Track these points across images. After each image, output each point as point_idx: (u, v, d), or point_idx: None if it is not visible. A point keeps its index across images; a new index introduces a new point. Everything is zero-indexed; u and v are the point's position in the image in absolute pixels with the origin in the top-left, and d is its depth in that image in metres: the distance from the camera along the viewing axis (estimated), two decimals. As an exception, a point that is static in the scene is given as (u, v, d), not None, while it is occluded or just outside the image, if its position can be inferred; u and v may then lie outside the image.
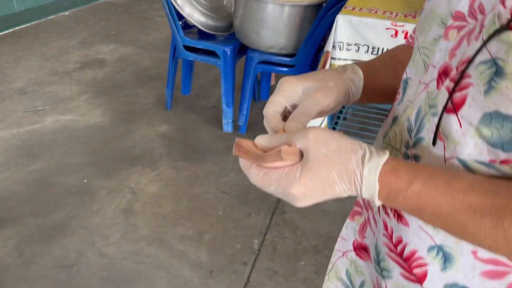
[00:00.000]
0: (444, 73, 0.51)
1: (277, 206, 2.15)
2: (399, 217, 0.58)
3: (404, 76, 0.61)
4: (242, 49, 2.58)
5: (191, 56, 2.58)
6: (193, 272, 1.79)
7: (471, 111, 0.46)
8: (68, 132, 2.60)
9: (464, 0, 0.50)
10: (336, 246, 0.76)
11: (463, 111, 0.46)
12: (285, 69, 2.44)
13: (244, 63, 2.59)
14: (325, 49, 1.99)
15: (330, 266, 0.78)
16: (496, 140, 0.45)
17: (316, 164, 0.48)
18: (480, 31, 0.46)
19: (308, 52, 2.36)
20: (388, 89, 0.69)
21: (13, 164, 2.32)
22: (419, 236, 0.55)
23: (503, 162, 0.45)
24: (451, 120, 0.47)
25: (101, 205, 2.10)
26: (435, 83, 0.52)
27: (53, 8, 4.38)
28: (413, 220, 0.56)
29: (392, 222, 0.59)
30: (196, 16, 2.55)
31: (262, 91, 3.02)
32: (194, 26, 2.66)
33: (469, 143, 0.47)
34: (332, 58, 1.97)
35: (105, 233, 1.95)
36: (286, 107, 0.61)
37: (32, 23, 4.11)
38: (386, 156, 0.49)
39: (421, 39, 0.58)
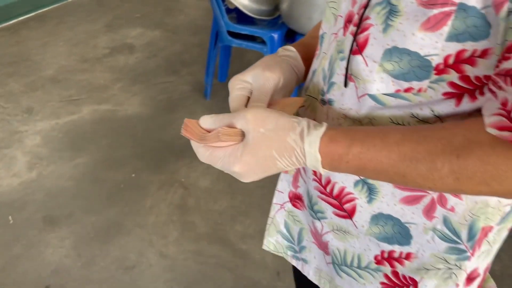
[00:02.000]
0: (348, 20, 0.56)
1: (335, 201, 2.07)
2: None
3: (321, 32, 0.66)
4: (288, 35, 2.46)
5: (235, 42, 2.46)
6: (260, 274, 1.72)
7: (374, 49, 0.51)
8: (109, 123, 2.51)
9: None
10: (274, 200, 0.81)
11: (367, 51, 0.52)
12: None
13: (291, 49, 2.48)
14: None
15: (269, 221, 0.83)
16: (398, 72, 0.50)
17: (255, 144, 0.51)
18: None
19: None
20: None
21: (57, 158, 2.24)
22: (345, 173, 0.60)
23: (406, 90, 0.51)
24: (358, 60, 0.53)
25: (154, 201, 2.02)
26: (342, 31, 0.57)
27: (73, -10, 4.23)
28: None
29: None
30: (239, -1, 2.42)
31: (303, 77, 2.91)
32: (233, 10, 2.54)
33: (376, 78, 0.52)
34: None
35: (162, 232, 1.88)
36: (247, 97, 0.63)
37: (54, 5, 3.97)
38: (323, 128, 0.51)
39: None
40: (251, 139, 0.51)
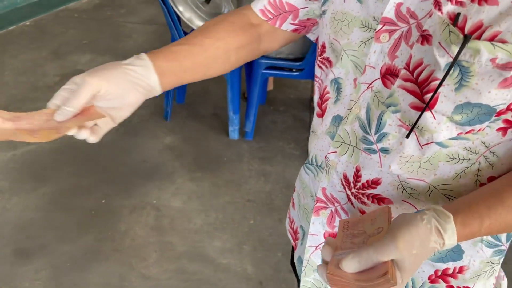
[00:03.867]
0: (389, 73, 0.59)
1: (305, 210, 2.18)
2: (379, 201, 0.66)
3: (331, 76, 0.69)
4: (245, 55, 2.57)
5: (195, 64, 2.53)
6: (243, 285, 1.78)
7: (444, 106, 0.54)
8: (69, 151, 2.47)
9: (388, 7, 0.57)
10: (307, 244, 0.80)
11: (437, 107, 0.55)
12: (295, 73, 2.47)
13: (248, 69, 2.59)
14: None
15: (304, 263, 0.83)
16: (465, 120, 0.55)
17: (412, 266, 0.53)
18: (422, 35, 0.54)
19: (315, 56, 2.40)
20: (196, 66, 0.71)
21: (20, 190, 2.17)
22: (402, 208, 0.65)
23: (468, 132, 0.56)
24: (426, 115, 0.56)
25: (128, 225, 2.02)
26: (380, 82, 0.61)
27: (12, 18, 4.10)
28: (395, 197, 0.64)
29: (371, 208, 0.67)
30: (196, 21, 2.51)
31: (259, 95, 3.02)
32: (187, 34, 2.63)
33: (443, 128, 0.56)
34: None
35: (141, 254, 1.88)
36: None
37: (-7, 34, 3.83)
38: (451, 217, 0.53)
39: (344, 41, 0.65)
40: (408, 264, 0.52)
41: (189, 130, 2.73)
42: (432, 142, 0.58)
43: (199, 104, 3.03)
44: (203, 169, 2.40)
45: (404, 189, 0.64)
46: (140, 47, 3.80)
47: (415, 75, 0.56)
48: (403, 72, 0.57)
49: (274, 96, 3.19)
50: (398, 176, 0.63)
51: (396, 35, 0.58)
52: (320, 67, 0.74)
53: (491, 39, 0.50)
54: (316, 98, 0.76)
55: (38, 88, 3.06)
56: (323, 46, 0.71)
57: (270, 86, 3.24)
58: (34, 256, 1.84)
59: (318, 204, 0.75)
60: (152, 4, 4.96)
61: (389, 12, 0.58)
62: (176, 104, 2.96)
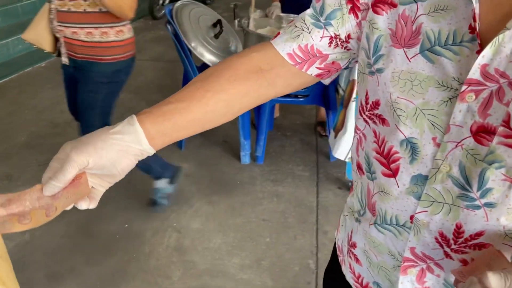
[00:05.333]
0: (482, 131, 0.58)
1: (317, 227, 2.29)
2: (480, 247, 0.65)
3: (401, 136, 0.66)
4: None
5: (207, 95, 2.70)
6: (264, 297, 1.88)
7: None
8: (92, 180, 2.61)
9: (473, 69, 0.57)
10: None
11: None
12: (301, 99, 2.63)
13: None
14: (350, 77, 2.21)
15: None
16: None
17: None
18: None
19: (320, 82, 2.57)
20: (193, 122, 0.69)
21: (47, 218, 2.29)
22: (502, 249, 0.63)
23: None
24: None
25: (151, 247, 2.14)
26: (472, 140, 0.59)
27: (28, 61, 4.34)
28: (496, 242, 0.64)
29: (471, 255, 0.67)
30: (207, 55, 2.70)
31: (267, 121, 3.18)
32: (197, 68, 2.81)
33: None
34: (357, 86, 2.18)
35: (165, 273, 1.99)
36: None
37: (12, 76, 4.05)
38: None
39: (418, 101, 0.62)
40: None
41: (202, 157, 2.88)
42: None
43: (210, 132, 3.19)
44: (218, 193, 2.53)
45: (506, 235, 0.64)
46: (151, 83, 4.00)
47: None
48: (501, 129, 0.56)
49: (281, 123, 3.35)
50: (503, 226, 0.62)
51: (484, 94, 0.57)
52: (366, 121, 0.72)
53: None
54: (372, 154, 0.72)
55: (57, 124, 3.23)
56: (376, 103, 0.69)
57: (277, 113, 3.40)
58: (65, 278, 1.94)
59: (405, 264, 0.73)
60: (158, 43, 5.22)
61: (474, 73, 0.57)
62: (189, 134, 3.12)
